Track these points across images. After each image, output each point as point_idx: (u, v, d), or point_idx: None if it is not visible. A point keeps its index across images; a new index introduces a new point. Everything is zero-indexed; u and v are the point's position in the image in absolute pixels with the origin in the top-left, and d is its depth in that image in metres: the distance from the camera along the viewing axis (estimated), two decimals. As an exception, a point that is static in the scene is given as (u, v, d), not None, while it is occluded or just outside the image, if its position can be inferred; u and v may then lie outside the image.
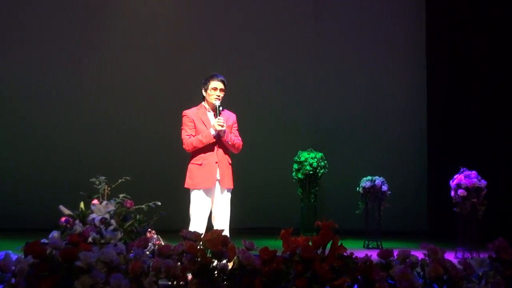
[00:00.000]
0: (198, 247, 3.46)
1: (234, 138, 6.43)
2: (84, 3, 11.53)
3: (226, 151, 6.40)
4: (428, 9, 11.81)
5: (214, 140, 6.29)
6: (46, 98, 11.24)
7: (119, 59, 11.42)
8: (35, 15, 11.38)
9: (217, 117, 6.30)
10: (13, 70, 11.20)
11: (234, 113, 6.60)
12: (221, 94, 6.38)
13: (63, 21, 11.42)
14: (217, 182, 6.30)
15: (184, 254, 3.44)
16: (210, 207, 6.32)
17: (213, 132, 6.27)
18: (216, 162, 6.29)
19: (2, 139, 11.06)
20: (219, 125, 6.24)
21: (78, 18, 11.45)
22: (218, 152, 6.32)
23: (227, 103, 6.60)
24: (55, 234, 4.94)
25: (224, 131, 6.28)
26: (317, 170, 10.55)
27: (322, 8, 12.01)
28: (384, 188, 9.42)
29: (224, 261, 3.46)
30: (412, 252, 3.63)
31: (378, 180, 9.44)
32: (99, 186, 5.41)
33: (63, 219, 5.13)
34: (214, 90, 6.36)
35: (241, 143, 6.50)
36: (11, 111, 11.15)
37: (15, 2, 11.37)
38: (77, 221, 5.09)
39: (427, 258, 3.58)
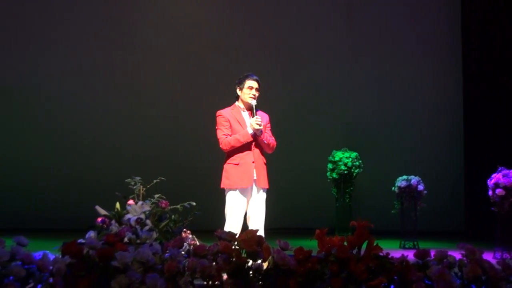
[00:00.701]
0: (233, 247, 3.46)
1: (269, 137, 6.43)
2: (115, 4, 11.61)
3: (262, 151, 6.40)
4: (463, 7, 11.67)
5: (252, 139, 6.30)
6: (81, 101, 11.36)
7: (152, 59, 11.50)
8: (73, 16, 11.50)
9: (253, 116, 6.30)
10: (51, 73, 11.34)
11: (267, 113, 6.60)
12: (257, 94, 6.38)
13: (96, 23, 11.53)
14: (253, 182, 6.30)
15: (219, 254, 3.44)
16: (245, 207, 6.32)
17: (250, 131, 6.27)
18: (253, 162, 6.28)
19: (39, 142, 11.21)
20: (256, 123, 6.24)
21: (110, 19, 11.55)
22: (254, 151, 6.32)
23: (261, 103, 6.60)
24: (91, 234, 4.99)
25: (261, 131, 6.28)
26: (352, 170, 10.50)
27: (355, 7, 11.94)
28: (420, 187, 9.33)
29: (259, 261, 3.45)
30: (449, 252, 3.59)
31: (414, 179, 9.35)
32: (135, 187, 5.45)
33: (99, 219, 5.18)
34: (250, 89, 6.36)
35: (275, 143, 6.48)
36: (47, 113, 11.28)
37: (54, 5, 11.49)
38: (113, 222, 5.14)
39: (464, 258, 3.53)
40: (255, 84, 6.37)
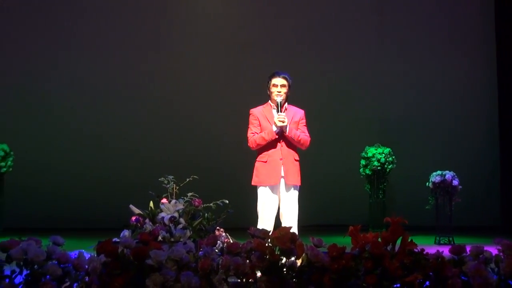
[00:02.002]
0: (267, 245, 3.46)
1: (300, 134, 6.40)
2: (147, 3, 11.66)
3: (292, 147, 6.39)
4: (498, 1, 11.52)
5: (277, 136, 6.31)
6: (113, 100, 11.42)
7: (183, 58, 11.52)
8: (101, 14, 11.56)
9: (279, 113, 6.32)
10: (77, 73, 11.40)
11: (303, 109, 6.59)
12: (282, 90, 6.38)
13: (127, 21, 11.57)
14: (282, 179, 6.30)
15: (253, 252, 3.44)
16: (277, 204, 6.33)
17: (274, 129, 6.29)
18: (281, 159, 6.30)
19: (72, 142, 11.30)
20: (279, 120, 6.25)
21: (141, 17, 11.60)
22: (282, 148, 6.34)
23: (293, 99, 6.61)
24: (126, 233, 5.04)
25: (287, 127, 6.28)
26: (385, 166, 10.44)
27: (385, 1, 11.85)
28: (455, 182, 9.23)
29: (293, 259, 3.45)
30: (486, 248, 3.55)
31: (449, 174, 9.26)
32: (168, 185, 5.49)
33: (133, 218, 5.23)
34: (275, 87, 6.39)
35: (307, 139, 6.46)
36: (78, 112, 11.37)
37: (81, 4, 11.59)
38: (147, 220, 5.19)
39: (501, 253, 3.48)
40: (279, 82, 6.39)
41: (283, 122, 6.26)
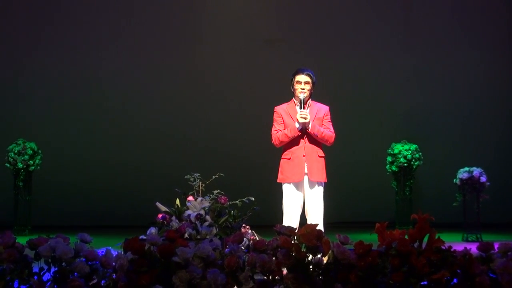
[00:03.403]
0: (293, 242, 3.46)
1: (324, 130, 6.37)
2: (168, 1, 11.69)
3: (316, 144, 6.38)
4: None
5: (299, 133, 6.31)
6: (140, 98, 11.46)
7: (216, 55, 11.50)
8: (125, 15, 11.61)
9: (301, 110, 6.32)
10: (104, 73, 11.46)
11: (328, 105, 6.58)
12: (306, 87, 6.37)
13: (148, 19, 11.61)
14: (305, 176, 6.30)
15: (279, 249, 3.44)
16: (301, 201, 6.32)
17: (297, 125, 6.29)
18: (304, 156, 6.30)
19: (99, 140, 11.35)
20: (301, 117, 6.25)
21: (166, 16, 11.63)
22: (305, 145, 6.33)
23: (318, 96, 6.59)
24: (152, 230, 5.07)
25: (309, 124, 6.28)
26: (412, 162, 10.37)
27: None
28: (483, 179, 9.15)
29: (319, 256, 3.45)
30: (514, 245, 3.52)
31: (476, 171, 9.18)
32: (194, 183, 5.52)
33: (160, 216, 5.26)
34: (299, 84, 6.39)
35: (332, 135, 6.43)
36: (105, 110, 11.41)
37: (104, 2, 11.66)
38: (173, 218, 5.22)
39: (530, 250, 3.45)
40: (302, 78, 6.38)
41: (305, 118, 6.25)
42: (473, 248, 3.53)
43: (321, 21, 11.64)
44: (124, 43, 11.53)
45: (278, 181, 6.44)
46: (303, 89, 6.37)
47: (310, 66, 6.65)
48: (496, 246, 3.53)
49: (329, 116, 6.52)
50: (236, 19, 11.62)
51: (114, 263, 3.42)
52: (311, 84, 6.40)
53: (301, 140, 6.34)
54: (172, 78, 11.50)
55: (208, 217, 5.11)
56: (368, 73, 11.51)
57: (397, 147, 10.45)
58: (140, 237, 3.93)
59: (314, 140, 6.36)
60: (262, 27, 11.61)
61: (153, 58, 11.48)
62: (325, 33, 11.61)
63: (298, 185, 6.32)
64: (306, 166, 6.29)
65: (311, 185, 6.31)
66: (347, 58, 11.53)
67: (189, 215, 5.08)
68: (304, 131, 6.32)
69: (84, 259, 3.42)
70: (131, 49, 11.51)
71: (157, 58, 11.48)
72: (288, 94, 6.62)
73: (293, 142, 6.35)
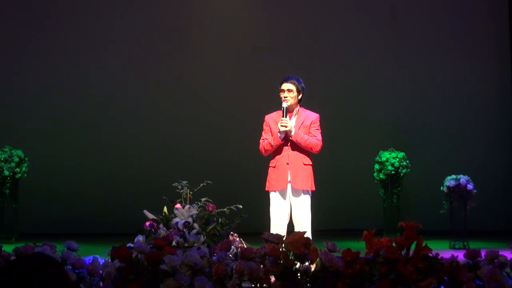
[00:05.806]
0: (281, 250, 3.46)
1: (308, 138, 6.36)
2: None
3: (301, 151, 6.37)
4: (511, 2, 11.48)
5: (282, 141, 6.34)
6: (127, 105, 11.44)
7: (202, 62, 11.49)
8: (112, 23, 11.60)
9: (281, 118, 6.35)
10: (92, 79, 11.43)
11: (318, 113, 6.60)
12: (289, 95, 6.40)
13: (135, 26, 11.60)
14: (289, 184, 6.31)
15: (267, 257, 3.44)
16: (288, 208, 6.33)
17: (279, 134, 6.32)
18: (288, 164, 6.31)
19: (86, 147, 11.31)
20: (282, 125, 6.28)
21: (154, 23, 11.63)
22: (289, 153, 6.34)
23: (308, 103, 6.62)
24: (140, 238, 5.05)
25: (291, 132, 6.30)
26: (399, 170, 10.39)
27: (399, 4, 11.83)
28: (470, 186, 9.18)
29: (307, 263, 3.45)
30: (501, 252, 3.53)
31: (463, 178, 9.21)
32: (182, 191, 5.51)
33: (147, 223, 5.25)
34: (282, 92, 6.44)
35: (317, 143, 6.42)
36: (92, 118, 11.38)
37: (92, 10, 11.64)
38: (161, 225, 5.20)
39: (516, 258, 3.47)
40: (285, 86, 6.43)
41: (285, 126, 6.28)
42: (460, 255, 3.54)
43: (310, 29, 11.67)
44: (112, 51, 11.50)
45: (266, 189, 6.46)
46: (286, 97, 6.40)
47: (298, 74, 6.67)
48: (483, 253, 3.54)
49: (317, 124, 6.52)
50: (224, 26, 11.63)
51: (101, 271, 3.41)
52: (295, 92, 6.42)
53: (285, 147, 6.35)
54: (160, 85, 11.48)
55: (195, 225, 5.09)
56: (356, 81, 11.55)
57: (385, 155, 10.47)
58: (128, 245, 3.92)
59: (298, 148, 6.36)
60: (250, 34, 11.63)
61: (140, 65, 11.47)
62: (313, 41, 11.64)
63: (283, 193, 6.32)
64: (289, 174, 6.30)
65: (296, 193, 6.31)
66: (335, 66, 11.56)
67: (176, 222, 5.06)
68: (288, 139, 6.34)
69: (71, 267, 3.40)
70: (119, 56, 11.49)
71: (145, 65, 11.46)
72: (277, 102, 6.63)
73: (278, 150, 6.38)
